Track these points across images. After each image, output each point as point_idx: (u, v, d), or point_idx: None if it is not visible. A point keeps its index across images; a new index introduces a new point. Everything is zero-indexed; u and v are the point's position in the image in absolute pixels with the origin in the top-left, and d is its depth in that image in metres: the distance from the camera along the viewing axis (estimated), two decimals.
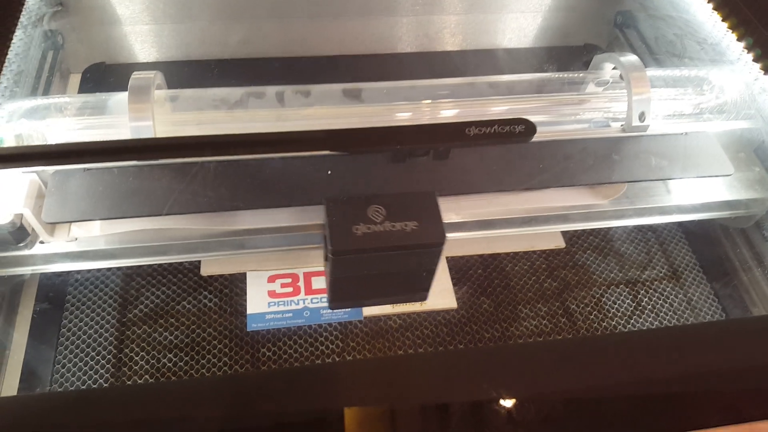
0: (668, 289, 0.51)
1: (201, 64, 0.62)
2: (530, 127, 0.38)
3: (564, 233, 0.53)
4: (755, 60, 0.47)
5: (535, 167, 0.44)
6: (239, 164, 0.41)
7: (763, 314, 0.49)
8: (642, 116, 0.46)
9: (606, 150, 0.45)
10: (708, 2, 0.51)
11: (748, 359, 0.33)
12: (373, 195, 0.38)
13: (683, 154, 0.46)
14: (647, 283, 0.51)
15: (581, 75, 0.50)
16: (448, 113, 0.44)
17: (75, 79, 0.58)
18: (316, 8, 0.63)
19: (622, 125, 0.46)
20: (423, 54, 0.68)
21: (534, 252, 0.52)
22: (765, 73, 0.46)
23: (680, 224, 0.55)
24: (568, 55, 0.71)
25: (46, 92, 0.52)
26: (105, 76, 0.58)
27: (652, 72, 0.48)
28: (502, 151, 0.45)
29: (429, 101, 0.44)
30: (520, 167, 0.44)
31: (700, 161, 0.46)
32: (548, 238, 0.53)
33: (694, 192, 0.48)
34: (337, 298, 0.43)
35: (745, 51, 0.48)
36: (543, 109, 0.46)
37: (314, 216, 0.42)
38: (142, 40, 0.60)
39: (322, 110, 0.42)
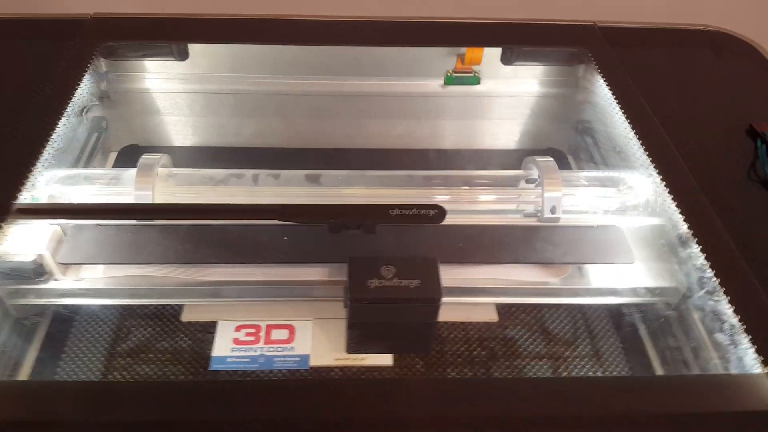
0: (587, 367, 0.57)
1: (217, 150, 0.76)
2: (441, 212, 0.47)
3: (499, 308, 0.60)
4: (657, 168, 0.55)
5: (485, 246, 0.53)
6: (218, 227, 0.52)
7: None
8: (553, 210, 0.54)
9: (525, 236, 0.54)
10: (626, 119, 0.60)
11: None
12: (386, 257, 0.48)
13: (592, 243, 0.54)
14: (568, 360, 0.57)
15: (516, 173, 0.59)
16: (386, 197, 0.54)
17: (112, 157, 0.72)
18: (313, 110, 0.76)
19: (537, 217, 0.55)
20: (404, 150, 0.79)
21: (470, 323, 0.59)
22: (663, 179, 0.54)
23: (608, 308, 0.62)
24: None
25: (86, 165, 0.66)
26: (136, 155, 0.72)
27: (573, 173, 0.58)
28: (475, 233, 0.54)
29: (375, 188, 0.54)
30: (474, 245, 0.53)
31: (607, 250, 0.53)
32: (483, 310, 0.60)
33: (614, 278, 0.55)
34: (352, 344, 0.51)
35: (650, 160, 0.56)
36: (468, 199, 0.55)
37: (289, 274, 0.52)
38: (169, 128, 0.74)
39: (285, 190, 0.52)
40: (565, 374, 0.56)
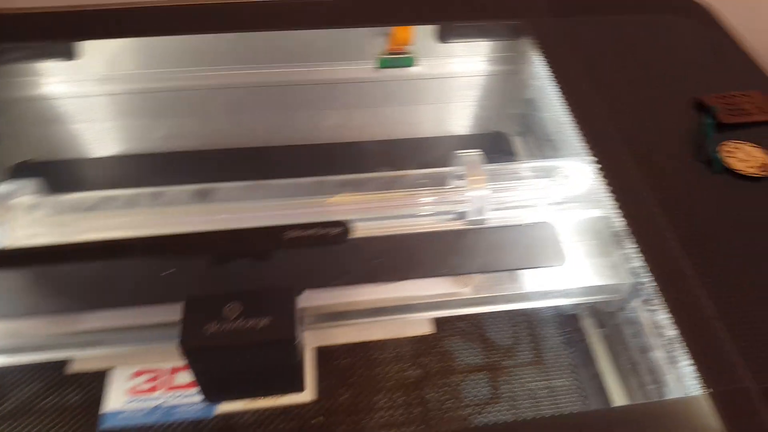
0: (530, 375, 0.52)
1: (123, 159, 0.69)
2: (345, 229, 0.41)
3: (436, 319, 0.55)
4: (595, 155, 0.49)
5: (396, 259, 0.47)
6: (96, 266, 0.45)
7: (620, 405, 0.49)
8: (479, 210, 0.48)
9: (447, 242, 0.48)
10: (564, 100, 0.54)
11: None
12: (233, 292, 0.41)
13: (523, 245, 0.48)
14: (508, 369, 0.52)
15: (443, 171, 0.53)
16: (288, 209, 0.47)
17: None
18: (232, 105, 0.69)
19: (463, 219, 0.49)
20: (337, 145, 0.73)
21: (403, 339, 0.54)
22: (601, 168, 0.48)
23: (549, 310, 0.56)
24: (479, 141, 0.74)
25: None
26: (32, 172, 0.65)
27: (504, 166, 0.52)
28: (367, 245, 0.48)
29: (277, 199, 0.48)
30: (390, 259, 0.47)
31: (538, 251, 0.47)
32: (417, 324, 0.55)
33: (553, 279, 0.50)
34: (207, 393, 0.45)
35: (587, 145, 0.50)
36: (387, 205, 0.49)
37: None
38: (68, 138, 0.67)
39: (167, 211, 0.46)
40: (505, 386, 0.51)
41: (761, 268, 0.41)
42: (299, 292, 0.41)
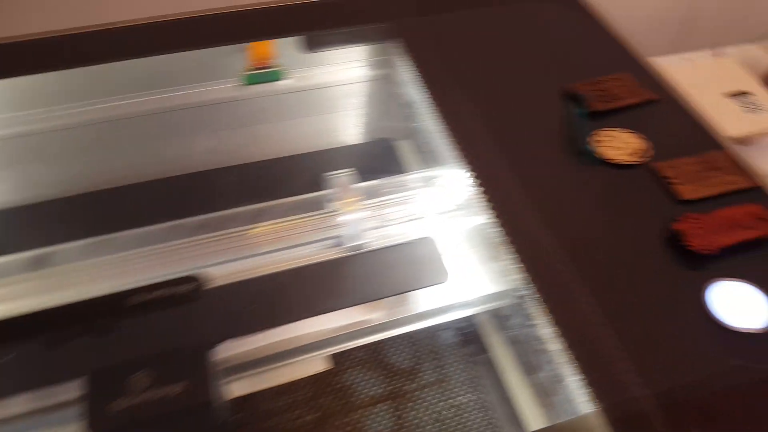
0: (434, 396, 0.49)
1: None
2: (197, 285, 0.36)
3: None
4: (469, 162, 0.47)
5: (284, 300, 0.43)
6: None
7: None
8: (355, 234, 0.45)
9: (324, 275, 0.44)
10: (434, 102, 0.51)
11: None
12: (141, 358, 0.35)
13: (405, 265, 0.45)
14: (411, 394, 0.49)
15: (317, 196, 0.49)
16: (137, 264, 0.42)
17: None
18: (93, 143, 0.62)
19: (341, 246, 0.45)
20: (212, 171, 0.67)
21: (300, 380, 0.50)
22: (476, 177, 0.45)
23: (448, 323, 0.54)
24: (364, 150, 0.71)
25: None
26: None
27: (380, 182, 0.48)
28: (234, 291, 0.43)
29: (124, 252, 0.42)
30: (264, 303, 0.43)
31: (421, 271, 0.45)
32: (312, 363, 0.50)
33: (445, 293, 0.47)
34: None
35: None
36: (257, 241, 0.45)
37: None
38: None
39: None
40: (410, 413, 0.48)
41: (643, 266, 0.39)
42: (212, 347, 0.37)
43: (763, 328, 0.35)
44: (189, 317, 0.39)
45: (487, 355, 0.51)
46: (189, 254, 0.42)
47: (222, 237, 0.44)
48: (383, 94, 0.68)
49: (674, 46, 1.07)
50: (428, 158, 0.62)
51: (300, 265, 0.45)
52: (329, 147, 0.72)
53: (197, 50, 0.60)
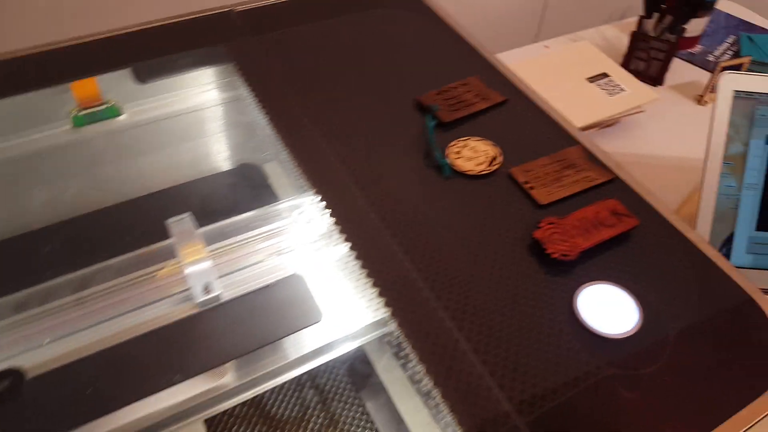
0: None
1: None
2: (17, 378, 0.30)
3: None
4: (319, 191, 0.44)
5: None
6: None
7: None
8: (207, 287, 0.40)
9: (183, 335, 0.39)
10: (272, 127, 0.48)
11: None
12: None
13: (275, 309, 0.41)
14: None
15: (160, 246, 0.44)
16: None
17: None
18: None
19: (192, 300, 0.40)
20: (52, 227, 0.59)
21: None
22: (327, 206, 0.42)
23: (333, 361, 0.51)
24: (230, 177, 0.66)
25: None
26: None
27: (229, 222, 0.44)
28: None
29: None
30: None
31: (292, 312, 0.41)
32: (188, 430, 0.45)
33: (322, 330, 0.43)
34: None
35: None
36: (90, 311, 0.39)
37: None
38: None
39: None
40: None
41: (511, 279, 0.38)
42: None
43: (629, 332, 0.35)
44: (10, 419, 0.33)
45: (374, 386, 0.49)
46: (3, 340, 0.36)
47: (45, 314, 0.38)
48: (239, 116, 0.63)
49: (533, 36, 1.10)
50: (295, 181, 0.59)
51: (148, 329, 0.39)
52: (188, 180, 0.66)
53: (14, 97, 0.53)
